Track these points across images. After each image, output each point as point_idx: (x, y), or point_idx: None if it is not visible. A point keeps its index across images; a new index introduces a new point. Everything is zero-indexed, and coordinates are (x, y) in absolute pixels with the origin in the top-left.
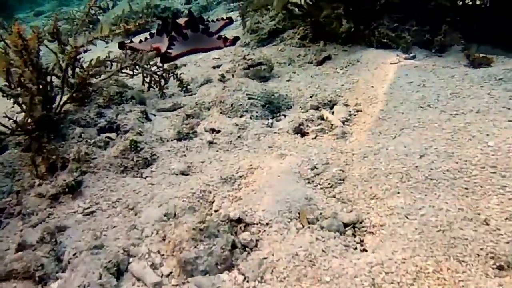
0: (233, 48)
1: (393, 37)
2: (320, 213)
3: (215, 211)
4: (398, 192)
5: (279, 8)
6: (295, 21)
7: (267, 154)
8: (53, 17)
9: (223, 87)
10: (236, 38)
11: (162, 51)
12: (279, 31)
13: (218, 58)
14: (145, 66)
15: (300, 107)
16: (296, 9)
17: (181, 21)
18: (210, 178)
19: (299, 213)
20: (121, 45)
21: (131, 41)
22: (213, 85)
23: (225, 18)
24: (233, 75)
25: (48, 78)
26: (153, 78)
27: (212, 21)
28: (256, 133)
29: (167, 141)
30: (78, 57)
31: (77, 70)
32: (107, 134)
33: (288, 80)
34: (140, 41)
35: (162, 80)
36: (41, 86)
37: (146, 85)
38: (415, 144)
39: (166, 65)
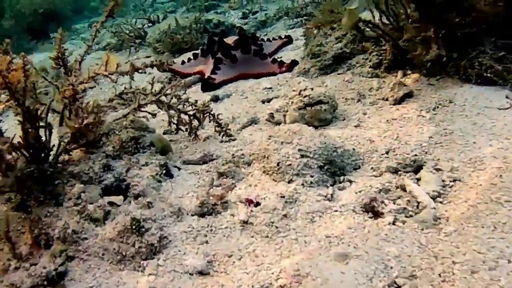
0: (289, 75)
1: (500, 70)
2: None
3: None
4: None
5: (348, 26)
6: (367, 45)
7: (323, 249)
8: (57, 37)
9: (269, 136)
10: (294, 63)
11: (206, 76)
12: (346, 57)
13: (270, 88)
14: (171, 103)
15: (372, 168)
16: (369, 30)
17: (231, 40)
18: (238, 287)
19: None
20: None
21: (173, 62)
22: (259, 128)
23: (283, 36)
24: (284, 116)
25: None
26: (182, 119)
27: (268, 40)
28: (309, 211)
29: (186, 214)
30: (79, 96)
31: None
32: (111, 198)
33: (356, 126)
34: (183, 62)
35: (195, 121)
36: (33, 131)
37: (174, 125)
38: None
39: (200, 102)
